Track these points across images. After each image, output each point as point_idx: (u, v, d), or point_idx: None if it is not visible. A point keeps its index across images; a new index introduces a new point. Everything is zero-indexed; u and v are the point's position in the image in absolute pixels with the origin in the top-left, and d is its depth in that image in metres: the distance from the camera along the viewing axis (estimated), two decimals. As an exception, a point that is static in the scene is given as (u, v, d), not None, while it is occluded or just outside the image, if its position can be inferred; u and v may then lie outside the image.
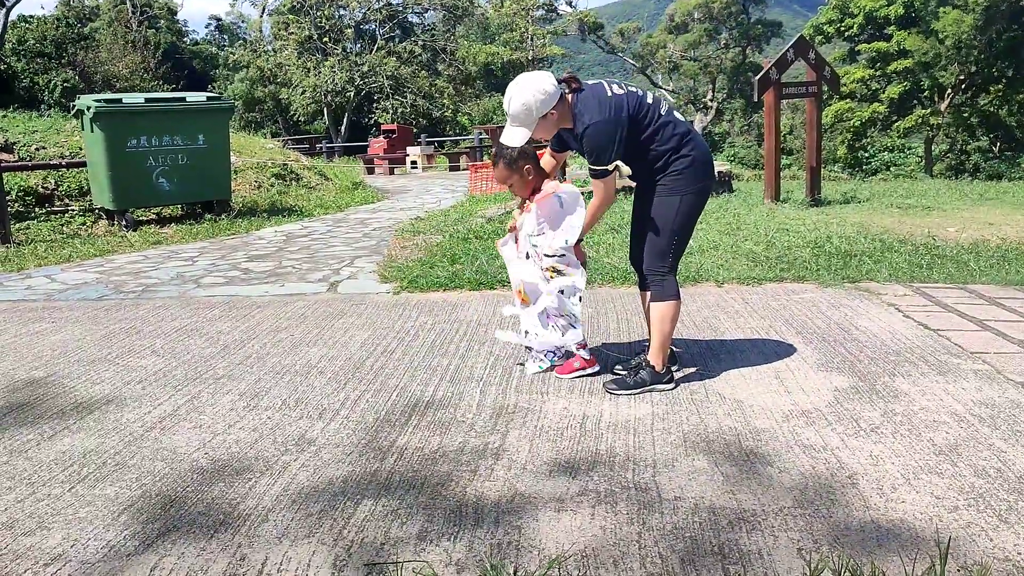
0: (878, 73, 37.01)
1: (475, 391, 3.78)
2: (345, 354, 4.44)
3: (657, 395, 3.65)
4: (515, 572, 2.28)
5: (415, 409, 3.58)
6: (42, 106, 20.89)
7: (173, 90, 27.51)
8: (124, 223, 9.69)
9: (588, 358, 3.96)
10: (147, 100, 10.05)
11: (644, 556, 2.34)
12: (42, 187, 10.60)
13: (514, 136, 3.57)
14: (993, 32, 31.76)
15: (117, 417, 3.58)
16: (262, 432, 3.36)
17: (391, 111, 34.88)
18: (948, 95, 35.22)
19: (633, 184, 3.85)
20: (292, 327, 5.06)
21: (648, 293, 3.83)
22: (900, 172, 34.82)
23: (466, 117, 37.84)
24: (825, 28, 39.93)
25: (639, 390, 3.68)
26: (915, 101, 36.98)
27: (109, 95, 10.57)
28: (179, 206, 10.70)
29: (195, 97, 10.50)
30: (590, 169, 3.60)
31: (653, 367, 3.73)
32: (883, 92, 36.86)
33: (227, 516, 2.65)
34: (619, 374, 3.94)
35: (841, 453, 2.98)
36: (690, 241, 6.79)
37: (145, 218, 10.43)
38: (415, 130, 29.02)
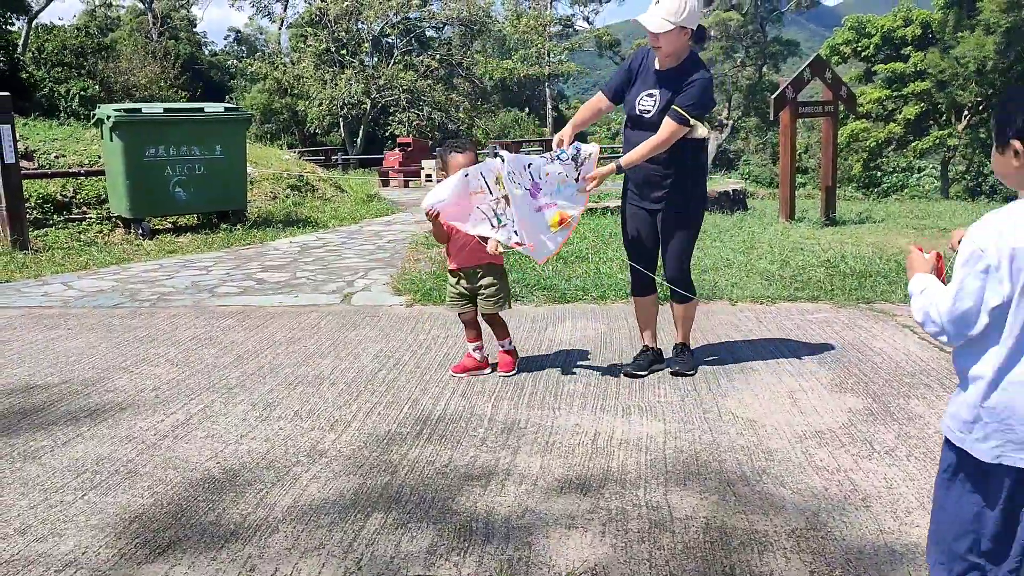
0: (894, 94, 36.96)
1: (487, 406, 3.78)
2: (357, 366, 4.45)
3: (670, 413, 3.64)
4: (525, 589, 2.27)
5: (426, 422, 3.58)
6: (61, 115, 21.06)
7: (191, 100, 27.75)
8: (140, 232, 9.75)
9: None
10: (166, 110, 10.14)
11: (655, 575, 2.33)
12: (60, 195, 10.69)
13: (655, 21, 3.74)
14: (1013, 54, 31.71)
15: (130, 425, 3.59)
16: (274, 443, 3.37)
17: (407, 124, 35.04)
18: (965, 116, 35.13)
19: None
20: (305, 338, 5.07)
21: (647, 299, 4.32)
22: (916, 193, 34.67)
23: (482, 131, 37.96)
24: (841, 48, 39.97)
25: (695, 366, 4.28)
26: (931, 122, 36.89)
27: (128, 105, 10.68)
28: (195, 216, 10.76)
29: (213, 108, 10.58)
30: (679, 111, 3.80)
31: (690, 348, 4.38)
32: (899, 112, 36.79)
33: (238, 527, 2.65)
34: (637, 374, 4.19)
35: (855, 475, 2.96)
36: (703, 258, 6.82)
37: (161, 227, 10.50)
38: (430, 143, 29.13)
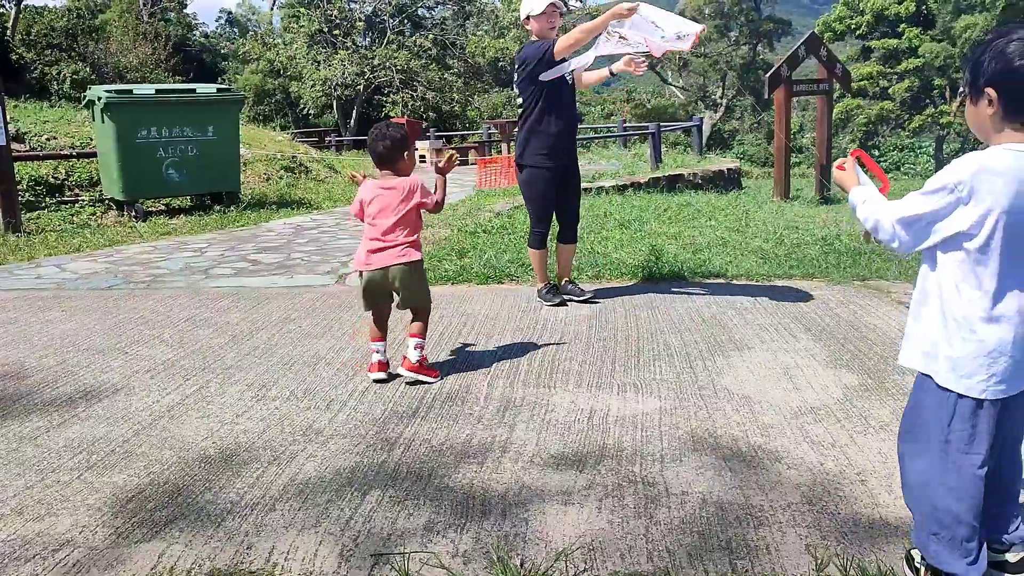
0: (888, 71, 36.90)
1: (483, 384, 3.78)
2: (353, 346, 4.45)
3: (665, 390, 3.64)
4: (521, 564, 2.28)
5: (423, 401, 3.58)
6: (53, 97, 20.92)
7: (183, 82, 27.53)
8: (134, 214, 9.71)
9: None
10: (157, 91, 10.06)
11: (651, 550, 2.34)
12: (52, 177, 10.63)
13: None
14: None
15: (126, 406, 3.59)
16: (270, 422, 3.37)
17: (401, 104, 34.84)
18: (960, 94, 35.15)
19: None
20: (300, 318, 5.07)
21: (546, 249, 5.29)
22: (911, 171, 34.68)
23: (475, 111, 37.78)
24: (835, 25, 39.82)
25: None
26: (927, 100, 36.85)
27: (120, 86, 10.59)
28: (188, 197, 10.71)
29: (205, 89, 10.51)
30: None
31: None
32: (892, 88, 36.73)
33: (234, 505, 2.65)
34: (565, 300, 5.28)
35: (850, 450, 2.97)
36: (698, 237, 6.86)
37: (154, 209, 10.46)
38: (424, 124, 28.99)
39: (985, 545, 2.05)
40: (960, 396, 1.97)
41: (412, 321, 3.94)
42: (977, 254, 1.91)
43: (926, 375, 2.05)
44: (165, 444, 3.17)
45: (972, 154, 1.92)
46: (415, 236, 3.88)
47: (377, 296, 3.89)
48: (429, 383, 3.82)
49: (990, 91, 1.90)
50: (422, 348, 3.90)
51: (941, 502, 2.02)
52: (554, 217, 5.33)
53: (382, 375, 3.85)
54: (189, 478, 2.86)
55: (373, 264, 3.81)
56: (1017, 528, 2.10)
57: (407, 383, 3.81)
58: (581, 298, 5.25)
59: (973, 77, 1.94)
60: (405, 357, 3.86)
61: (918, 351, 2.06)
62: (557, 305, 5.21)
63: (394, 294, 3.92)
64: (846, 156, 2.35)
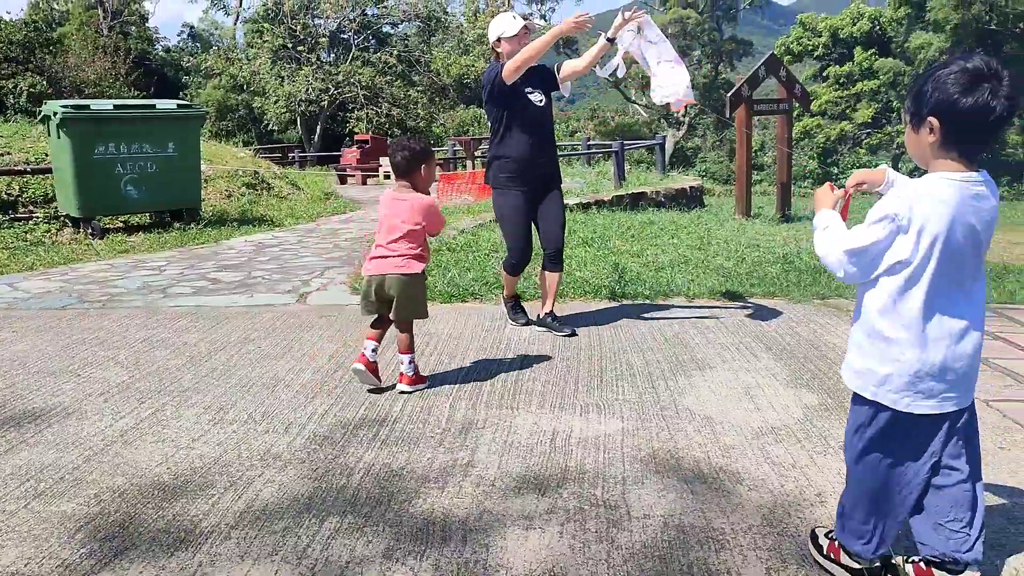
0: (845, 94, 37.67)
1: (444, 406, 3.75)
2: (313, 367, 4.39)
3: (627, 411, 3.63)
4: (482, 592, 2.25)
5: (383, 424, 3.53)
6: (8, 111, 20.55)
7: (143, 97, 27.18)
8: (90, 231, 9.53)
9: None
10: (116, 107, 9.90)
11: (613, 575, 2.32)
12: (6, 193, 10.40)
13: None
14: (960, 52, 32.65)
15: (77, 430, 3.49)
16: (227, 447, 3.30)
17: (365, 120, 34.75)
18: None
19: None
20: (260, 339, 4.99)
21: (549, 273, 5.10)
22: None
23: (441, 128, 37.80)
24: (792, 47, 40.65)
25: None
26: (884, 121, 37.63)
27: (77, 101, 10.41)
28: (147, 214, 10.54)
29: (165, 104, 10.37)
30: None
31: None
32: (851, 110, 37.46)
33: (188, 534, 2.59)
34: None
35: (810, 471, 2.99)
36: (661, 255, 6.88)
37: (112, 226, 10.27)
38: (389, 141, 28.91)
39: (885, 535, 2.18)
40: (882, 408, 2.09)
41: (398, 334, 4.00)
42: (912, 279, 2.01)
43: (857, 392, 2.16)
44: (118, 470, 3.08)
45: (911, 182, 2.00)
46: (420, 249, 3.94)
47: (375, 304, 3.96)
48: (408, 391, 3.93)
49: (932, 120, 1.97)
50: (413, 360, 3.99)
51: (860, 500, 2.20)
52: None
53: (360, 367, 3.88)
54: (142, 506, 2.79)
55: (372, 271, 3.93)
56: (971, 549, 2.12)
57: (402, 393, 3.94)
58: (560, 333, 4.95)
59: (916, 106, 2.02)
60: (402, 374, 3.96)
61: (850, 369, 2.18)
62: (521, 325, 5.19)
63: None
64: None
